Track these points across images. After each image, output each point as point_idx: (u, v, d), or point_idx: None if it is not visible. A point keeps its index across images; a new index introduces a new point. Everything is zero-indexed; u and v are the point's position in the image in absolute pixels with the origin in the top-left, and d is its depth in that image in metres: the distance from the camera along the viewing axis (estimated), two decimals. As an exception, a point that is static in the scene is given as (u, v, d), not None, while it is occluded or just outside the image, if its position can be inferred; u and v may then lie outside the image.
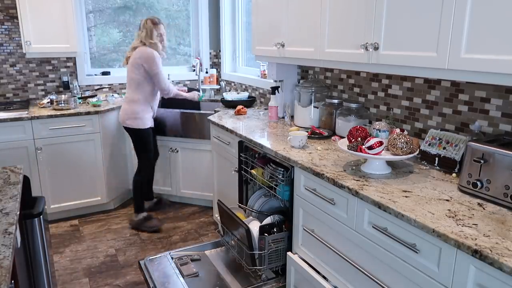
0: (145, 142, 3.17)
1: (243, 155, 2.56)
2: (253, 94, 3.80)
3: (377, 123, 1.89)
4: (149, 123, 3.15)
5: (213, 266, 2.43)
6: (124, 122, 3.13)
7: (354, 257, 1.66)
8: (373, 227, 1.52)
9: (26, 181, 1.85)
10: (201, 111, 3.45)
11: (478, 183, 1.45)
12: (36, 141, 3.20)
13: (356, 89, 2.55)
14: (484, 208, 1.39)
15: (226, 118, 3.02)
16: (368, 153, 1.70)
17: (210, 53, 4.49)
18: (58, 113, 3.24)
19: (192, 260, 2.46)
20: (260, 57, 2.98)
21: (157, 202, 3.61)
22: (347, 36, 2.02)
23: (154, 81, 3.05)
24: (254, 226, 2.19)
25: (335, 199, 1.73)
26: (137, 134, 3.14)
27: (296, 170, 1.99)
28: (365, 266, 1.60)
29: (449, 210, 1.38)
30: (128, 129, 3.15)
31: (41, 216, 1.75)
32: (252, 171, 2.47)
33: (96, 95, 3.82)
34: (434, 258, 1.29)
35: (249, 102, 3.55)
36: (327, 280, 1.84)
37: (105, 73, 4.08)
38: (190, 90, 3.65)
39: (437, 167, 1.82)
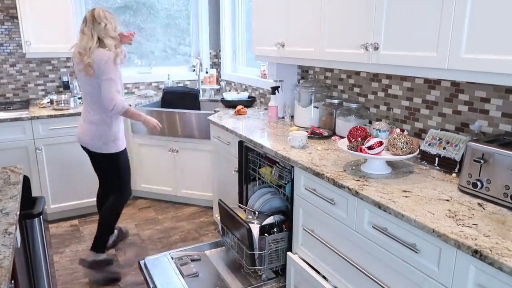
0: (117, 167, 2.62)
1: (250, 154, 2.58)
2: (253, 94, 3.80)
3: (377, 123, 1.89)
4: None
5: (213, 266, 2.43)
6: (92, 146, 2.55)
7: (354, 257, 1.66)
8: (373, 227, 1.52)
9: (26, 181, 1.85)
10: (201, 111, 3.45)
11: (478, 183, 1.45)
12: (36, 141, 3.20)
13: (356, 89, 2.55)
14: (484, 208, 1.39)
15: (226, 118, 3.02)
16: (368, 153, 1.70)
17: (210, 53, 4.49)
18: (58, 113, 3.24)
19: (192, 260, 2.46)
20: (260, 57, 2.98)
21: (119, 233, 3.07)
22: (347, 36, 2.02)
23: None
24: (254, 226, 2.19)
25: (335, 199, 1.73)
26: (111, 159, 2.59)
27: (296, 170, 1.99)
28: (365, 266, 1.60)
29: (449, 210, 1.38)
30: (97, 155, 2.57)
31: (41, 216, 1.75)
32: (261, 169, 2.50)
33: (96, 95, 3.82)
34: (434, 258, 1.29)
35: (249, 102, 3.55)
36: (327, 280, 1.84)
37: (105, 73, 4.08)
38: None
39: (437, 167, 1.82)
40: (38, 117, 3.17)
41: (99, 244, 2.65)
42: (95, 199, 3.53)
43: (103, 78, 2.35)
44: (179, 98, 3.90)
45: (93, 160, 2.68)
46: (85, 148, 2.62)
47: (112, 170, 2.63)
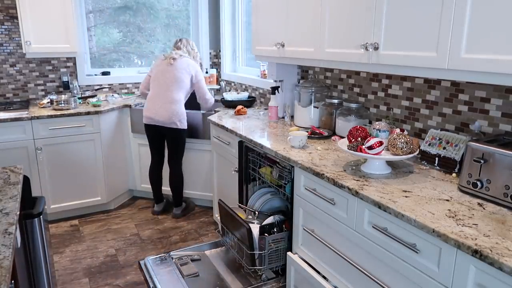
0: (184, 142, 3.39)
1: (250, 154, 2.58)
2: (253, 94, 3.80)
3: (377, 123, 1.89)
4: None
5: (213, 266, 2.43)
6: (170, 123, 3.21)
7: (354, 257, 1.66)
8: (373, 227, 1.52)
9: (26, 181, 1.85)
10: (201, 111, 3.45)
11: (478, 183, 1.45)
12: (36, 141, 3.20)
13: (356, 89, 2.55)
14: (484, 208, 1.39)
15: (226, 118, 3.02)
16: (368, 153, 1.70)
17: (210, 53, 4.49)
18: (58, 113, 3.24)
19: (192, 260, 2.46)
20: (260, 57, 2.98)
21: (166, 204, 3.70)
22: (347, 36, 2.02)
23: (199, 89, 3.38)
24: (254, 226, 2.19)
25: (335, 199, 1.73)
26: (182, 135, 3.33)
27: (296, 170, 1.99)
28: (365, 266, 1.60)
29: (449, 210, 1.38)
30: (171, 130, 3.24)
31: (41, 216, 1.75)
32: (261, 170, 2.51)
33: (96, 95, 3.82)
34: (434, 258, 1.29)
35: (249, 102, 3.55)
36: (327, 280, 1.84)
37: (105, 73, 4.08)
38: None
39: (437, 167, 1.82)
40: (38, 117, 3.17)
41: (179, 201, 3.51)
42: (95, 199, 3.56)
43: (199, 80, 3.33)
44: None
45: (162, 137, 3.37)
46: (154, 129, 3.29)
47: (181, 143, 3.33)
